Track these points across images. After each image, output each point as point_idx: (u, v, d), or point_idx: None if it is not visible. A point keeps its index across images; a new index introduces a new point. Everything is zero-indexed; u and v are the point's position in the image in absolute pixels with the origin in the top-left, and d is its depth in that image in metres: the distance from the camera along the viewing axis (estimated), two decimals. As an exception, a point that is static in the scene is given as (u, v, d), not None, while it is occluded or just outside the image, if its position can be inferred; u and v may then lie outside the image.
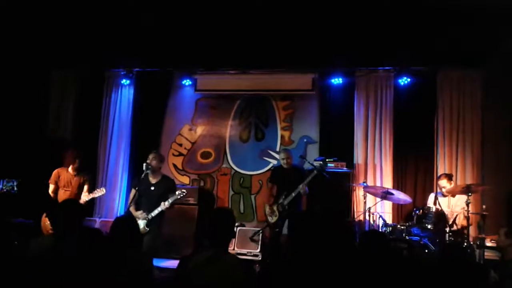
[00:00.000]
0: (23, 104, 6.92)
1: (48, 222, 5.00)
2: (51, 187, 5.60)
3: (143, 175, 4.99)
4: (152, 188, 4.98)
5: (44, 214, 5.18)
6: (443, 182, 5.63)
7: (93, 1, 5.81)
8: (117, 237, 2.92)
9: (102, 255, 2.67)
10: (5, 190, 5.77)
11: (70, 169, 5.62)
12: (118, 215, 6.74)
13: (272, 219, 5.47)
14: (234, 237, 6.05)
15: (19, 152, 6.62)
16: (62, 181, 5.58)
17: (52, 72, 7.30)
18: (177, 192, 4.91)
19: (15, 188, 5.96)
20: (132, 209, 4.95)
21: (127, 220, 3.25)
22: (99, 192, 5.44)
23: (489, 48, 5.76)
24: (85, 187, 5.59)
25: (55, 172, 5.63)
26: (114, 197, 7.03)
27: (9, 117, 6.81)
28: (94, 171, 7.02)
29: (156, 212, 4.81)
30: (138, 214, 4.87)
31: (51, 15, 6.27)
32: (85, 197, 5.46)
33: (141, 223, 4.70)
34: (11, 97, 6.82)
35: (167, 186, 5.05)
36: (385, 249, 2.60)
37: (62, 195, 5.50)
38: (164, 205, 4.81)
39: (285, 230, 5.59)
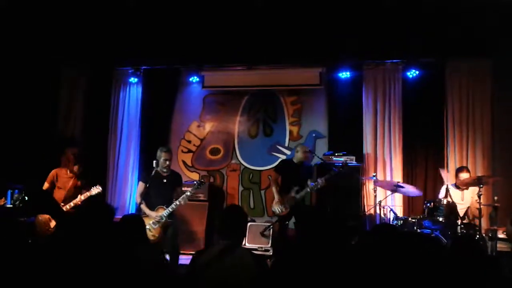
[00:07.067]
0: (32, 105, 6.90)
1: (43, 221, 5.04)
2: (45, 186, 5.52)
3: (153, 172, 5.03)
4: (165, 180, 5.11)
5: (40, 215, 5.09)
6: (464, 175, 5.56)
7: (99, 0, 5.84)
8: (126, 234, 2.94)
9: (113, 252, 2.69)
10: (18, 204, 5.55)
11: (68, 171, 5.55)
12: (129, 213, 6.78)
13: (280, 210, 5.47)
14: (245, 235, 6.06)
15: (27, 153, 6.51)
16: (60, 181, 5.52)
17: (60, 72, 7.32)
18: (194, 182, 5.29)
19: (25, 198, 5.76)
20: (143, 206, 4.99)
21: (135, 219, 3.25)
22: (95, 190, 5.38)
23: (499, 37, 5.68)
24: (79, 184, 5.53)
25: (53, 172, 5.56)
26: (125, 195, 7.08)
27: (17, 117, 6.76)
28: (104, 170, 7.10)
29: (177, 203, 4.92)
30: (157, 209, 4.95)
31: (57, 15, 6.32)
32: (81, 196, 5.36)
33: (165, 214, 4.87)
34: (19, 98, 6.82)
35: (177, 179, 5.28)
36: (397, 242, 2.59)
37: (57, 194, 5.44)
38: (187, 195, 4.96)
39: (291, 225, 5.64)
